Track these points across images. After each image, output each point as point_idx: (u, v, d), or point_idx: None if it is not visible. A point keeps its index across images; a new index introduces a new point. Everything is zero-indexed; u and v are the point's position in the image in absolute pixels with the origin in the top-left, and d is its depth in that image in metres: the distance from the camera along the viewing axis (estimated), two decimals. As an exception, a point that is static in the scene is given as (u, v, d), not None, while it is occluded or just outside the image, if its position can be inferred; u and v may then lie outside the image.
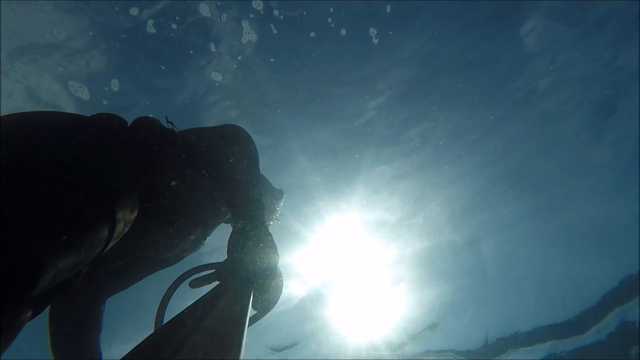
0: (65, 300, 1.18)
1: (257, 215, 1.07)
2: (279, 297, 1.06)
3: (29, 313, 0.74)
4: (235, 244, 1.00)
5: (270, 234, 1.05)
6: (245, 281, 0.95)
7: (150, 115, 1.20)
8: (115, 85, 4.56)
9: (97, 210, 0.76)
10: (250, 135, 1.38)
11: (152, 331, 0.82)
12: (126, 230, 0.91)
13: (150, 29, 4.17)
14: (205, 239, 1.43)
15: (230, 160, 1.22)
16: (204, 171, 1.21)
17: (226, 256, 1.01)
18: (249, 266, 0.97)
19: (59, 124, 0.86)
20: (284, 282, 1.09)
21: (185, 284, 1.02)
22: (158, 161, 1.08)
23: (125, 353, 0.64)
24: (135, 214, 0.93)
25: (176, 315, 0.79)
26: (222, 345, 0.71)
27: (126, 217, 0.87)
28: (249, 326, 0.93)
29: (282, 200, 1.78)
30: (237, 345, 0.72)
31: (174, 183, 1.12)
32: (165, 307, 1.00)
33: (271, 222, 1.71)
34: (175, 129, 1.23)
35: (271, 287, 1.01)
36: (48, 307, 1.13)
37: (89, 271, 1.22)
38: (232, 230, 1.05)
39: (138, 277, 1.34)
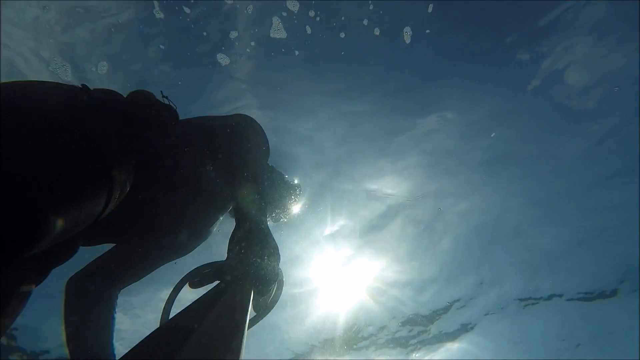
0: (79, 292, 1.21)
1: (260, 214, 1.07)
2: (279, 298, 1.07)
3: (33, 279, 0.79)
4: (235, 243, 1.01)
5: (271, 234, 1.05)
6: (246, 281, 0.95)
7: (147, 90, 1.21)
8: (103, 67, 4.45)
9: (95, 171, 0.81)
10: (260, 125, 1.36)
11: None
12: (122, 196, 0.94)
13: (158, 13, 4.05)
14: (211, 226, 1.42)
15: (236, 150, 1.22)
16: (205, 155, 1.22)
17: (226, 255, 1.01)
18: (250, 266, 0.98)
19: (58, 92, 0.91)
20: (284, 283, 1.10)
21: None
22: (153, 133, 1.10)
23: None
24: (131, 181, 0.96)
25: (175, 315, 0.80)
26: (221, 345, 0.71)
27: (122, 182, 0.91)
28: (248, 328, 0.94)
29: (297, 194, 1.74)
30: (236, 345, 0.73)
31: (169, 158, 1.14)
32: (170, 309, 1.01)
33: (281, 218, 1.69)
34: (171, 103, 1.24)
35: (272, 288, 1.02)
36: (63, 304, 1.19)
37: (101, 263, 1.27)
38: (233, 228, 1.06)
39: (149, 268, 1.35)
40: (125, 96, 1.18)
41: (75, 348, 1.14)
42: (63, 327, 1.17)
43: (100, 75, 4.43)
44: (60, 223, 0.70)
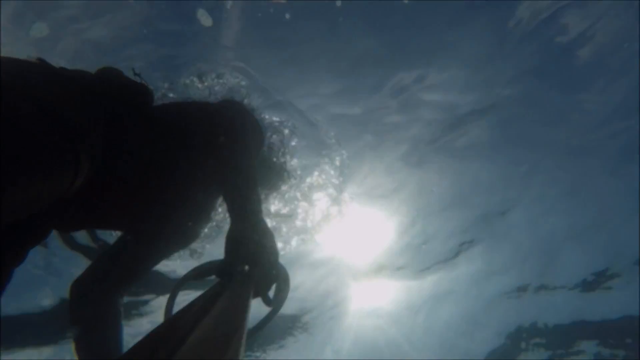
0: (83, 297, 1.24)
1: (256, 209, 1.10)
2: (287, 294, 1.09)
3: (10, 261, 0.82)
4: (233, 241, 1.03)
5: (269, 229, 1.08)
6: (245, 279, 0.97)
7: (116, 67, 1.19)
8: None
9: (58, 145, 0.82)
10: (250, 112, 1.36)
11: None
12: (90, 175, 0.96)
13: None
14: (203, 213, 1.43)
15: (221, 138, 1.22)
16: (186, 142, 1.23)
17: (225, 253, 1.04)
18: (249, 263, 1.00)
19: (18, 65, 0.91)
20: (289, 277, 1.12)
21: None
22: (126, 114, 1.11)
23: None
24: (98, 160, 0.98)
25: (175, 314, 0.82)
26: (221, 344, 0.72)
27: (89, 159, 0.92)
28: (263, 327, 1.01)
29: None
30: (236, 344, 0.74)
31: (146, 143, 1.15)
32: (172, 308, 1.04)
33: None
34: (144, 82, 1.23)
35: (272, 284, 1.05)
36: (69, 309, 1.23)
37: (101, 263, 1.30)
38: (229, 226, 1.08)
39: (148, 263, 1.36)
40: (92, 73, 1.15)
41: (83, 354, 1.16)
42: (72, 332, 1.19)
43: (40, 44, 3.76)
44: (20, 194, 0.71)
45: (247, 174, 1.15)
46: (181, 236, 1.44)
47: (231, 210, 1.09)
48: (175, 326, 0.76)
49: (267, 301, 1.06)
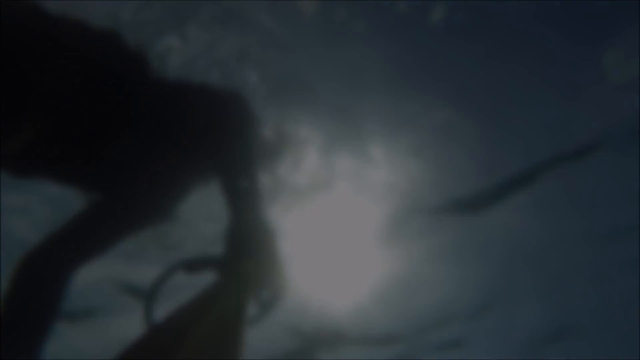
0: (32, 276, 1.15)
1: (257, 204, 1.09)
2: (284, 293, 1.08)
3: None
4: (233, 237, 1.02)
5: (271, 224, 1.07)
6: (245, 276, 0.97)
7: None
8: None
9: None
10: (251, 108, 1.34)
11: (143, 326, 0.84)
12: (51, 128, 0.93)
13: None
14: (177, 190, 1.40)
15: (219, 129, 1.21)
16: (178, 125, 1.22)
17: (223, 249, 1.02)
18: (249, 260, 0.99)
19: (16, 13, 0.89)
20: (290, 276, 1.11)
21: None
22: (114, 78, 1.08)
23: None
24: (61, 119, 0.95)
25: (172, 312, 0.82)
26: (221, 344, 0.73)
27: (48, 118, 0.90)
28: (254, 325, 0.99)
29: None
30: (237, 344, 0.75)
31: (128, 107, 1.12)
32: (153, 301, 0.96)
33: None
34: (144, 52, 1.22)
35: (272, 283, 1.04)
36: (10, 282, 1.12)
37: (61, 233, 1.22)
38: (229, 221, 1.07)
39: (113, 235, 1.29)
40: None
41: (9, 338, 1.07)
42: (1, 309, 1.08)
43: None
44: None
45: (248, 169, 1.15)
46: (151, 210, 1.40)
47: (232, 205, 1.09)
48: (174, 325, 0.76)
49: (259, 301, 1.04)
